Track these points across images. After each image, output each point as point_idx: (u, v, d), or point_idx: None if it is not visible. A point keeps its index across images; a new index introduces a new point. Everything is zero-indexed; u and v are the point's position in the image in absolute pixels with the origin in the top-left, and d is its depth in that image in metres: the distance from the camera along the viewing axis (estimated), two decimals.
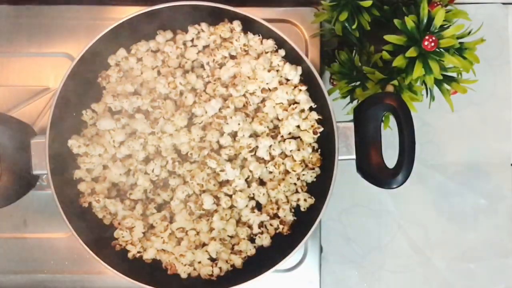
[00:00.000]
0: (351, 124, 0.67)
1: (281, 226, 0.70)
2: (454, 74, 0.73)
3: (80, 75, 0.69)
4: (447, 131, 0.90)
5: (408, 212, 0.89)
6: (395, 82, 0.71)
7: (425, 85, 0.71)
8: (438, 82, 0.71)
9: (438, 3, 0.68)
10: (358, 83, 0.76)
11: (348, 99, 0.78)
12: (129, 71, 0.72)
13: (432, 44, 0.66)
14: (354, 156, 0.67)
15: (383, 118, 0.68)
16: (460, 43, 0.68)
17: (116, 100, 0.70)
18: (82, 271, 0.79)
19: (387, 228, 0.89)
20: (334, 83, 0.79)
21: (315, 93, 0.69)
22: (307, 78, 0.70)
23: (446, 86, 0.72)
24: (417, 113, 0.71)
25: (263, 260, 0.69)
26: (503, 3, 0.91)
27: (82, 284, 0.79)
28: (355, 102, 0.77)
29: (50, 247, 0.79)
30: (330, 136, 0.67)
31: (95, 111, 0.72)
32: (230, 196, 0.70)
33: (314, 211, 0.68)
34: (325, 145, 0.69)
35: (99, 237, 0.70)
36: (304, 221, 0.69)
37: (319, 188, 0.68)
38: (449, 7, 0.73)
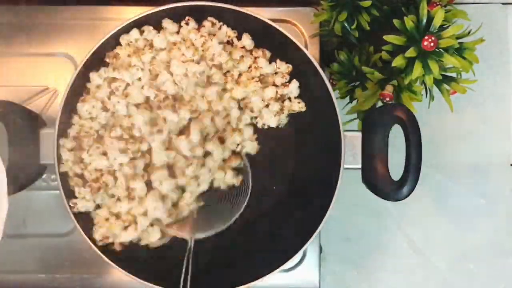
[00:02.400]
0: (359, 134, 0.67)
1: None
2: (453, 74, 0.73)
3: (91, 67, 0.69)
4: (447, 131, 0.90)
5: (407, 212, 0.90)
6: (395, 82, 0.71)
7: (425, 85, 0.71)
8: (437, 82, 0.71)
9: (438, 3, 0.68)
10: (357, 83, 0.76)
11: (347, 99, 0.78)
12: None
13: (432, 44, 0.66)
14: (359, 166, 0.67)
15: None
16: (459, 43, 0.68)
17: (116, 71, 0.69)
18: (82, 271, 0.79)
19: (386, 228, 0.89)
20: (334, 83, 0.80)
21: (321, 98, 0.68)
22: (313, 84, 0.69)
23: (445, 86, 0.72)
24: (416, 113, 0.71)
25: (260, 264, 0.69)
26: (503, 3, 0.91)
27: (82, 284, 0.79)
28: (354, 102, 0.77)
29: (50, 247, 0.79)
30: (337, 144, 0.66)
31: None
32: None
33: (315, 218, 0.68)
34: (331, 153, 0.68)
35: None
36: (305, 227, 0.69)
37: (322, 195, 0.68)
38: (448, 7, 0.73)
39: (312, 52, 0.80)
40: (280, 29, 0.68)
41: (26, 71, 0.80)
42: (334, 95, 0.67)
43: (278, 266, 0.67)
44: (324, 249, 0.86)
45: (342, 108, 0.78)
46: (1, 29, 0.81)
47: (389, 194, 0.66)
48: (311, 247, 0.79)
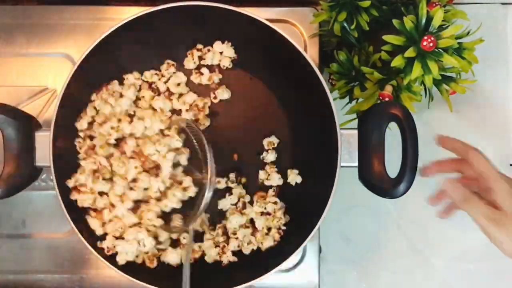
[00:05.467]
0: (355, 132, 0.67)
1: None
2: (453, 74, 0.73)
3: (86, 71, 0.69)
4: (446, 131, 0.90)
5: (407, 212, 0.89)
6: (394, 82, 0.71)
7: (424, 85, 0.71)
8: (437, 82, 0.71)
9: (437, 3, 0.68)
10: (357, 83, 0.76)
11: (347, 99, 0.78)
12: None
13: (431, 44, 0.66)
14: (356, 164, 0.67)
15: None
16: (459, 43, 0.68)
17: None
18: (81, 271, 0.79)
19: (386, 228, 0.89)
20: (333, 83, 0.80)
21: (318, 97, 0.68)
22: (310, 83, 0.69)
23: (445, 86, 0.72)
24: (415, 113, 0.71)
25: (256, 265, 0.69)
26: (502, 3, 0.91)
27: (81, 284, 0.79)
28: (354, 102, 0.77)
29: (50, 247, 0.79)
30: (333, 142, 0.66)
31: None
32: None
33: (312, 218, 0.67)
34: (328, 151, 0.68)
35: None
36: (302, 227, 0.69)
37: (320, 195, 0.68)
38: (447, 7, 0.73)
39: (311, 52, 0.80)
40: (277, 29, 0.68)
41: (25, 71, 0.80)
42: (329, 92, 0.67)
43: (276, 266, 0.67)
44: (323, 249, 0.86)
45: (342, 108, 0.78)
46: (1, 29, 0.81)
47: (386, 192, 0.66)
48: (310, 247, 0.79)
